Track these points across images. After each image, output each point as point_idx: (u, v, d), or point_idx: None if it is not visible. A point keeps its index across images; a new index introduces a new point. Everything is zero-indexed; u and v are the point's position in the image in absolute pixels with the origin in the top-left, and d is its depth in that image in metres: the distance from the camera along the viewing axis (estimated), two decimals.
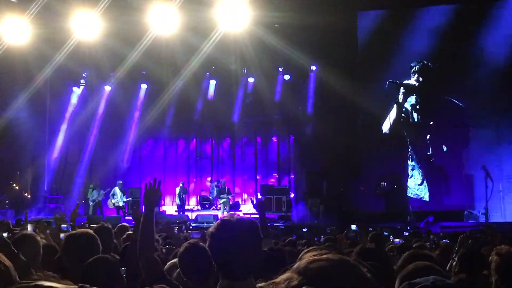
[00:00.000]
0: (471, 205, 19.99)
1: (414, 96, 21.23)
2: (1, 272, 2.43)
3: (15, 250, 3.85)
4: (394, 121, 21.03)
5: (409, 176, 21.22)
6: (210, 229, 2.97)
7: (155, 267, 3.90)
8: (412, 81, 21.07)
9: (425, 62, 21.04)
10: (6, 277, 2.35)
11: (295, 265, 1.70)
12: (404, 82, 20.90)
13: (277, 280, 1.69)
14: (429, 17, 21.17)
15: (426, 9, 21.37)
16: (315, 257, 1.70)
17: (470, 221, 18.75)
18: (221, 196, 22.80)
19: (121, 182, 23.64)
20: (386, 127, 21.20)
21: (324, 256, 1.71)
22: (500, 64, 19.98)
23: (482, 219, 18.88)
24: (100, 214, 22.36)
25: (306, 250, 1.88)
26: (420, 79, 20.98)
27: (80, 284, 1.69)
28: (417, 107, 21.19)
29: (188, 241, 4.57)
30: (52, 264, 4.36)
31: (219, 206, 23.30)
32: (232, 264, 2.82)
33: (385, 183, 20.51)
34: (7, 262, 2.41)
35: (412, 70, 21.09)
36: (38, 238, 4.99)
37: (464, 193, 20.33)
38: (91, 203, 22.91)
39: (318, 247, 1.97)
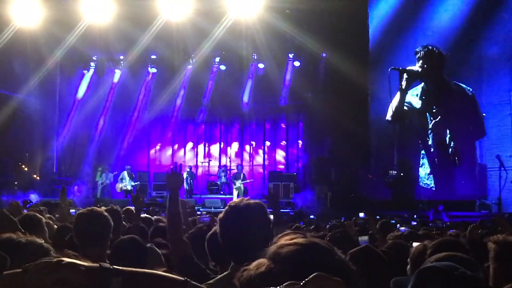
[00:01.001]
0: (484, 195, 19.77)
1: (422, 85, 21.03)
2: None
3: (23, 230, 3.88)
4: (397, 108, 20.83)
5: (420, 165, 21.09)
6: (219, 216, 2.99)
7: (183, 248, 3.92)
8: (417, 67, 20.79)
9: (430, 47, 20.75)
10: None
11: (266, 251, 1.69)
12: (408, 68, 20.64)
13: (250, 266, 1.69)
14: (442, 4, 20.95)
15: None
16: (285, 242, 1.69)
17: (479, 212, 18.62)
18: (236, 181, 22.82)
19: (129, 166, 23.74)
20: (389, 114, 21.06)
21: (293, 240, 1.70)
22: None
23: (495, 209, 18.72)
24: (108, 197, 22.45)
25: (280, 235, 1.86)
26: (425, 65, 20.73)
27: (100, 263, 1.71)
28: (424, 96, 21.02)
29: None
30: (64, 245, 4.38)
31: (231, 190, 23.43)
32: (242, 248, 2.83)
33: (394, 171, 20.42)
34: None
35: (417, 56, 20.84)
36: (43, 218, 5.04)
37: (477, 183, 20.12)
38: (99, 186, 23.02)
39: (292, 231, 1.95)
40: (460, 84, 20.56)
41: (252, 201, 3.01)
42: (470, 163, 20.47)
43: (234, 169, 24.63)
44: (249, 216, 2.90)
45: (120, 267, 1.74)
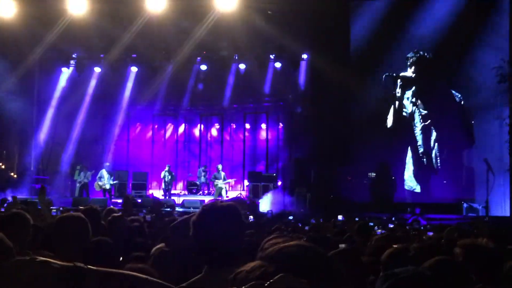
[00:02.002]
0: (471, 198, 19.92)
1: (413, 89, 21.21)
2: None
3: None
4: (396, 115, 21.07)
5: (405, 168, 21.23)
6: (193, 218, 2.97)
7: None
8: (409, 73, 21.03)
9: (422, 52, 20.95)
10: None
11: (264, 253, 1.70)
12: (401, 74, 20.87)
13: (248, 268, 1.69)
14: (426, 5, 21.10)
15: None
16: (285, 244, 1.71)
17: (462, 215, 18.78)
18: (216, 181, 22.77)
19: (108, 164, 23.62)
20: (389, 122, 21.27)
21: (294, 243, 1.72)
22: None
23: (482, 212, 18.86)
24: (86, 196, 22.30)
25: (268, 238, 1.87)
26: (417, 70, 20.93)
27: (74, 262, 1.69)
28: (414, 99, 21.20)
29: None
30: (38, 245, 4.35)
31: (210, 190, 23.42)
32: (216, 251, 2.81)
33: (373, 173, 20.55)
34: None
35: (409, 62, 21.04)
36: (29, 217, 4.97)
37: (463, 186, 20.32)
38: (77, 185, 22.85)
39: (281, 234, 1.97)
40: (451, 90, 20.75)
41: (226, 203, 2.99)
42: (456, 166, 20.61)
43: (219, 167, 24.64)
44: (223, 218, 2.87)
45: (94, 267, 1.72)
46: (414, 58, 20.96)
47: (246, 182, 24.00)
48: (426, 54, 20.91)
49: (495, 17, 20.17)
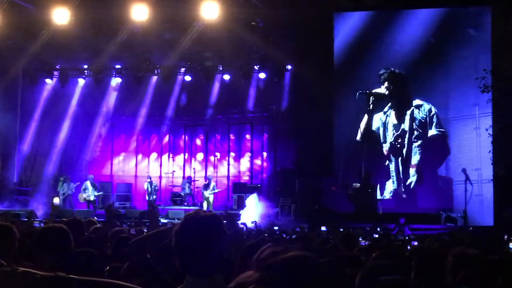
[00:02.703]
0: (450, 207, 20.05)
1: (389, 104, 21.44)
2: None
3: None
4: (365, 129, 21.28)
5: (387, 178, 21.38)
6: (175, 228, 2.97)
7: None
8: (382, 88, 21.26)
9: (393, 69, 21.23)
10: None
11: (258, 263, 1.71)
12: (374, 91, 21.12)
13: (241, 277, 1.70)
14: (406, 18, 21.40)
15: (403, 12, 21.58)
16: (281, 255, 1.71)
17: (443, 225, 18.88)
18: (205, 191, 22.67)
19: (92, 176, 23.48)
20: (359, 135, 21.45)
21: (290, 253, 1.73)
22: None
23: (460, 222, 19.01)
24: (70, 208, 22.14)
25: (263, 248, 1.88)
26: (390, 86, 21.20)
27: (56, 272, 1.69)
28: (388, 113, 21.43)
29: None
30: (22, 256, 4.34)
31: (195, 201, 23.38)
32: (197, 261, 2.81)
33: (357, 184, 20.62)
34: None
35: (381, 78, 21.28)
36: (15, 229, 4.94)
37: (440, 196, 20.47)
38: (61, 196, 22.67)
39: (274, 245, 1.97)
40: (423, 102, 20.98)
41: (208, 213, 2.99)
42: (432, 177, 20.81)
43: (198, 180, 24.51)
44: (205, 228, 2.88)
45: (76, 276, 1.72)
46: (386, 75, 21.22)
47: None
48: (397, 70, 21.18)
49: (474, 28, 20.50)
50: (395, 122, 21.35)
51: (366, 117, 21.31)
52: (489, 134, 18.57)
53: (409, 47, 21.18)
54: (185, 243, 2.86)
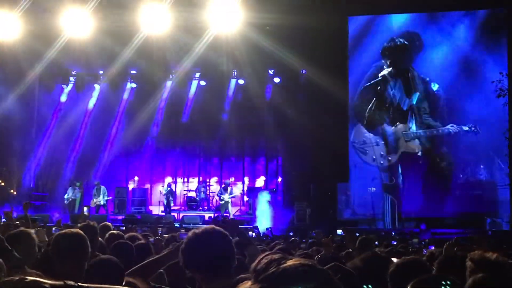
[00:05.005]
0: (495, 212, 19.54)
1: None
2: None
3: (9, 247, 3.85)
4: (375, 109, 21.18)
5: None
6: (181, 246, 3.00)
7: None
8: (385, 70, 21.16)
9: (394, 41, 21.12)
10: None
11: (256, 274, 1.67)
12: (380, 74, 21.09)
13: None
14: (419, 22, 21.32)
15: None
16: (281, 264, 1.67)
17: (458, 229, 18.64)
18: (224, 195, 22.63)
19: (98, 181, 23.40)
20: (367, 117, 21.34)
21: (290, 263, 1.68)
22: None
23: (506, 227, 18.64)
24: (79, 213, 22.02)
25: (260, 257, 1.83)
26: (393, 62, 21.05)
27: (65, 281, 1.68)
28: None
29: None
30: (38, 262, 4.34)
31: (210, 206, 23.39)
32: (206, 275, 2.91)
33: (374, 188, 20.52)
34: None
35: (384, 55, 21.14)
36: (34, 236, 4.96)
37: (485, 200, 19.89)
38: (65, 202, 22.69)
39: (270, 252, 1.94)
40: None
41: (212, 228, 3.02)
42: (473, 181, 20.43)
43: (213, 185, 24.49)
44: (211, 244, 2.92)
45: (85, 284, 1.71)
46: (387, 51, 21.08)
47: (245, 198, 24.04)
48: (397, 41, 21.05)
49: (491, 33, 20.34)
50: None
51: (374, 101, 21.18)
52: (506, 138, 18.41)
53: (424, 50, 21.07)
54: (191, 259, 2.91)
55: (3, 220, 14.18)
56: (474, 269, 3.54)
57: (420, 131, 20.73)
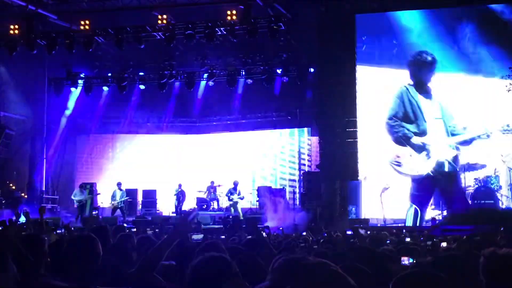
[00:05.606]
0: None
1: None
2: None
3: (23, 250, 3.87)
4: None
5: None
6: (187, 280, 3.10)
7: None
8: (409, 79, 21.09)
9: (421, 54, 20.95)
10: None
11: (274, 272, 1.69)
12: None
13: None
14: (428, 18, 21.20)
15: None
16: (298, 263, 1.69)
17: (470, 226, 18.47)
18: (234, 195, 22.65)
19: (120, 182, 23.49)
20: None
21: (304, 261, 1.70)
22: None
23: None
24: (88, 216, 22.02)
25: (277, 258, 1.86)
26: (416, 74, 20.92)
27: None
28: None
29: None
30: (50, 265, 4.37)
31: (220, 206, 23.40)
32: None
33: (388, 186, 20.44)
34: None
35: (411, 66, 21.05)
36: (45, 239, 4.99)
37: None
38: (76, 204, 22.72)
39: (288, 253, 1.97)
40: None
41: (214, 256, 3.08)
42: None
43: (222, 185, 24.45)
44: (218, 271, 2.97)
45: None
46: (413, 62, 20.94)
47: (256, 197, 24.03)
48: (424, 55, 20.85)
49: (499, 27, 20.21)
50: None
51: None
52: None
53: (435, 47, 20.94)
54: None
55: (19, 221, 14.27)
56: (487, 266, 3.52)
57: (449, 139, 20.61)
